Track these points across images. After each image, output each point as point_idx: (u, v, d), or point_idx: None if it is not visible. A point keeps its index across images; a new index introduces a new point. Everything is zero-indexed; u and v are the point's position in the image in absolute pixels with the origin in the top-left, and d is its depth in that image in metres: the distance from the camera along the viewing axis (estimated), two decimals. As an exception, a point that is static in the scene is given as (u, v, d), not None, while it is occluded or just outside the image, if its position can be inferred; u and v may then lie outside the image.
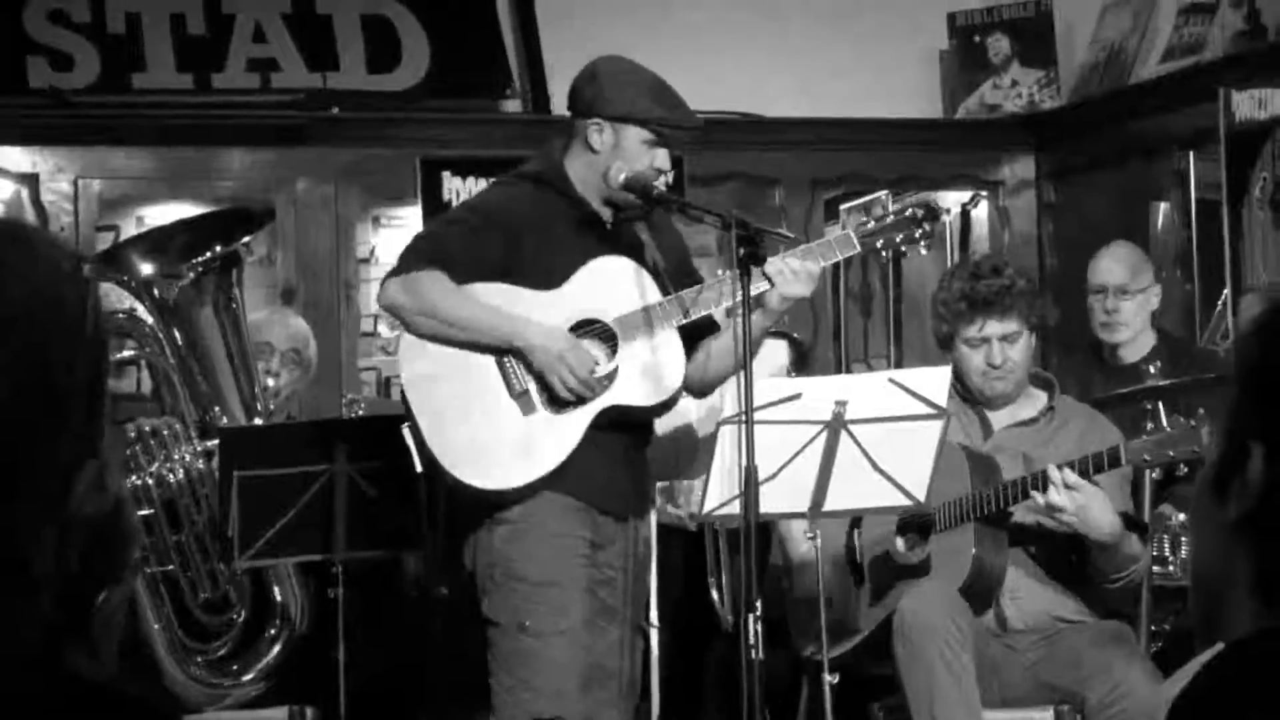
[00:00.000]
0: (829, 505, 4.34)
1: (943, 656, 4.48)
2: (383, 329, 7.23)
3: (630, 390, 4.45)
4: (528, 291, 4.46)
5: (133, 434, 5.27)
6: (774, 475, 4.26)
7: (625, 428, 4.51)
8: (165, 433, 5.28)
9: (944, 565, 4.72)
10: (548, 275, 4.46)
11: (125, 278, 5.33)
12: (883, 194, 7.26)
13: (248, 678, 5.33)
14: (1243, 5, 6.63)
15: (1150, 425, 4.75)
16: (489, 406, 4.43)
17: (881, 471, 4.30)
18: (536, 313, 4.44)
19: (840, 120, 7.38)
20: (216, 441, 5.17)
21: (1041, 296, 5.03)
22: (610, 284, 4.49)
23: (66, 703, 1.41)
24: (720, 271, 4.65)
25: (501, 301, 4.45)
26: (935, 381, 4.35)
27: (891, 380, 4.40)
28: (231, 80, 7.09)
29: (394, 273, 4.49)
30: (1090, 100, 7.29)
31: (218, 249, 5.44)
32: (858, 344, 7.44)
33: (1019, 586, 4.77)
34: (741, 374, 4.12)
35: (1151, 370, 5.28)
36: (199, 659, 5.31)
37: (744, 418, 4.09)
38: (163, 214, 6.78)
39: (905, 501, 4.33)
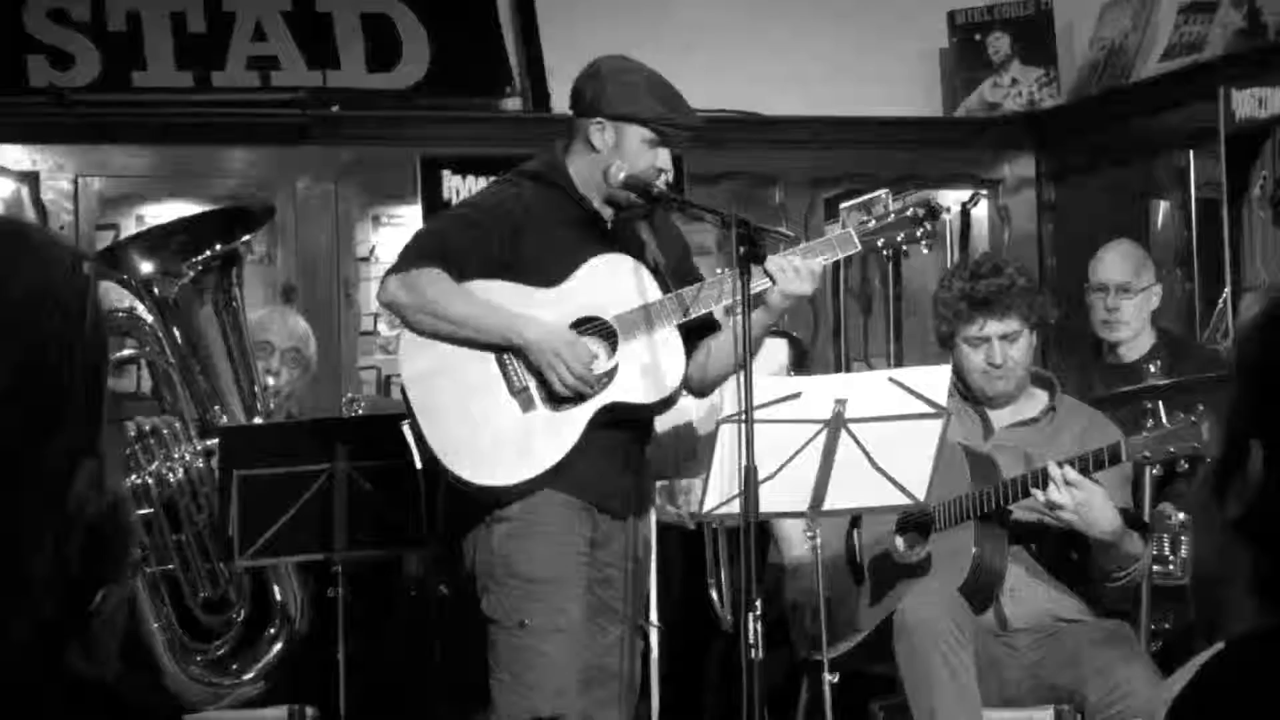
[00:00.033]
0: (829, 504, 4.34)
1: (943, 655, 4.48)
2: (382, 328, 7.23)
3: (630, 388, 4.45)
4: (528, 289, 4.46)
5: (132, 433, 5.27)
6: (774, 474, 4.26)
7: (625, 426, 4.51)
8: (165, 432, 5.28)
9: (944, 565, 4.72)
10: (548, 273, 4.47)
11: (125, 276, 5.32)
12: (883, 193, 7.24)
13: (248, 677, 5.33)
14: (1243, 4, 6.63)
15: (1150, 423, 4.75)
16: (489, 404, 4.43)
17: (881, 471, 4.30)
18: (537, 310, 4.44)
19: (840, 119, 7.38)
20: (216, 440, 5.16)
21: (1042, 295, 5.03)
22: (611, 282, 4.49)
23: (65, 702, 1.41)
24: (720, 270, 4.66)
25: (502, 299, 4.45)
26: (935, 380, 4.35)
27: (892, 379, 4.40)
28: (232, 79, 7.09)
29: (394, 270, 4.50)
30: (1090, 99, 7.29)
31: (218, 247, 5.43)
32: (858, 343, 7.44)
33: (1019, 585, 4.76)
34: (741, 373, 4.12)
35: (1152, 369, 5.28)
36: (199, 658, 5.30)
37: (744, 416, 4.09)
38: (163, 212, 6.78)
39: (905, 501, 4.33)
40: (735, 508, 4.19)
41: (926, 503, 4.39)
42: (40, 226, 3.19)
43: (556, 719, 4.36)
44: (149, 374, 5.59)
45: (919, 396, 4.30)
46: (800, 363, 5.84)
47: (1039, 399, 4.97)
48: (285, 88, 7.09)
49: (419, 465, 4.72)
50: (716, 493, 4.30)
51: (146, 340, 5.34)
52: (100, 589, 1.46)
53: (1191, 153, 6.67)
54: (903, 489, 4.29)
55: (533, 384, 4.44)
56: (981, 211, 7.51)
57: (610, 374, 4.45)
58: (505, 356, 4.45)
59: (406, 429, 4.59)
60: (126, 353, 5.41)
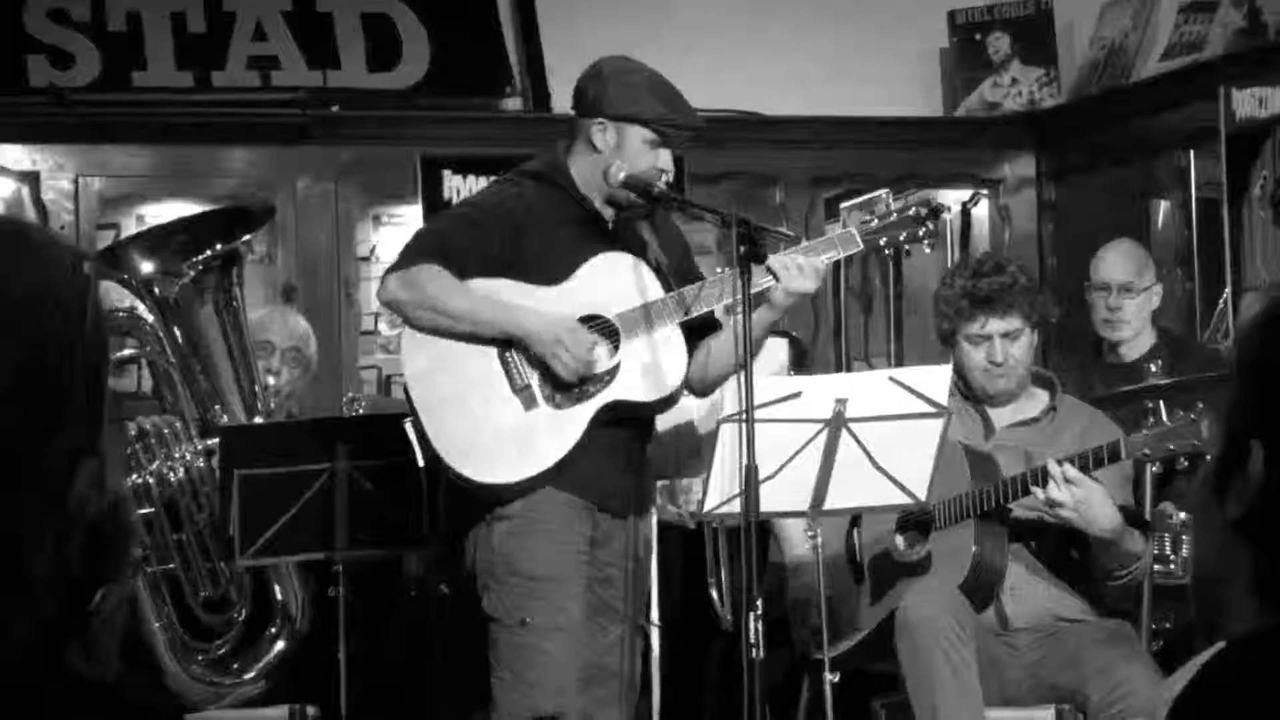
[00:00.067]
0: (829, 504, 4.34)
1: (945, 653, 4.48)
2: (383, 327, 7.23)
3: (632, 386, 4.46)
4: (530, 287, 4.47)
5: (133, 432, 5.26)
6: (774, 474, 4.26)
7: (626, 425, 4.51)
8: (166, 431, 5.28)
9: (944, 563, 4.72)
10: (548, 272, 4.47)
11: (125, 276, 5.32)
12: (883, 192, 7.22)
13: (249, 676, 5.32)
14: (1243, 3, 6.63)
15: (1151, 421, 4.75)
16: (491, 402, 4.43)
17: (882, 470, 4.30)
18: (539, 307, 4.45)
19: (840, 119, 7.38)
20: (217, 440, 5.16)
21: (1044, 294, 5.03)
22: (613, 280, 4.49)
23: (66, 702, 1.41)
24: (719, 269, 4.66)
25: (504, 296, 4.46)
26: (936, 380, 4.35)
27: (892, 379, 4.40)
28: (232, 78, 7.09)
29: (393, 268, 4.50)
30: (1090, 98, 7.28)
31: (218, 247, 5.43)
32: (858, 342, 7.44)
33: (1019, 584, 4.76)
34: (742, 372, 4.12)
35: (1152, 368, 5.28)
36: (200, 657, 5.30)
37: (744, 416, 4.09)
38: (163, 212, 6.78)
39: (906, 500, 4.33)
40: (736, 507, 4.19)
41: (927, 502, 4.39)
42: (41, 226, 3.19)
43: (557, 717, 4.37)
44: (149, 374, 5.59)
45: (920, 396, 4.30)
46: (800, 362, 5.84)
47: (1040, 398, 4.97)
48: (285, 87, 7.09)
49: (421, 463, 4.72)
50: (717, 492, 4.30)
51: (147, 340, 5.34)
52: (99, 588, 1.46)
53: (1192, 152, 6.67)
54: (903, 488, 4.29)
55: (535, 382, 4.44)
56: (982, 211, 7.51)
57: (612, 372, 4.45)
58: (507, 354, 4.45)
59: (409, 427, 4.59)
60: (127, 352, 5.41)
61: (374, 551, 5.20)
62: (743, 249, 4.18)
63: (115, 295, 5.27)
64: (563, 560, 4.41)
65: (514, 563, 4.40)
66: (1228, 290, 6.25)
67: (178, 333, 5.35)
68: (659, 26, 7.23)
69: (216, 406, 5.37)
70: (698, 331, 4.53)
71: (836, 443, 4.32)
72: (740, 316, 4.13)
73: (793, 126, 7.40)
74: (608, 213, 4.55)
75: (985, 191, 7.49)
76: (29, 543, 1.41)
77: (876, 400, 4.33)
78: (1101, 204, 7.16)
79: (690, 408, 4.95)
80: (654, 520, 4.95)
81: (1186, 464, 4.76)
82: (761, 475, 4.14)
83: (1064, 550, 4.77)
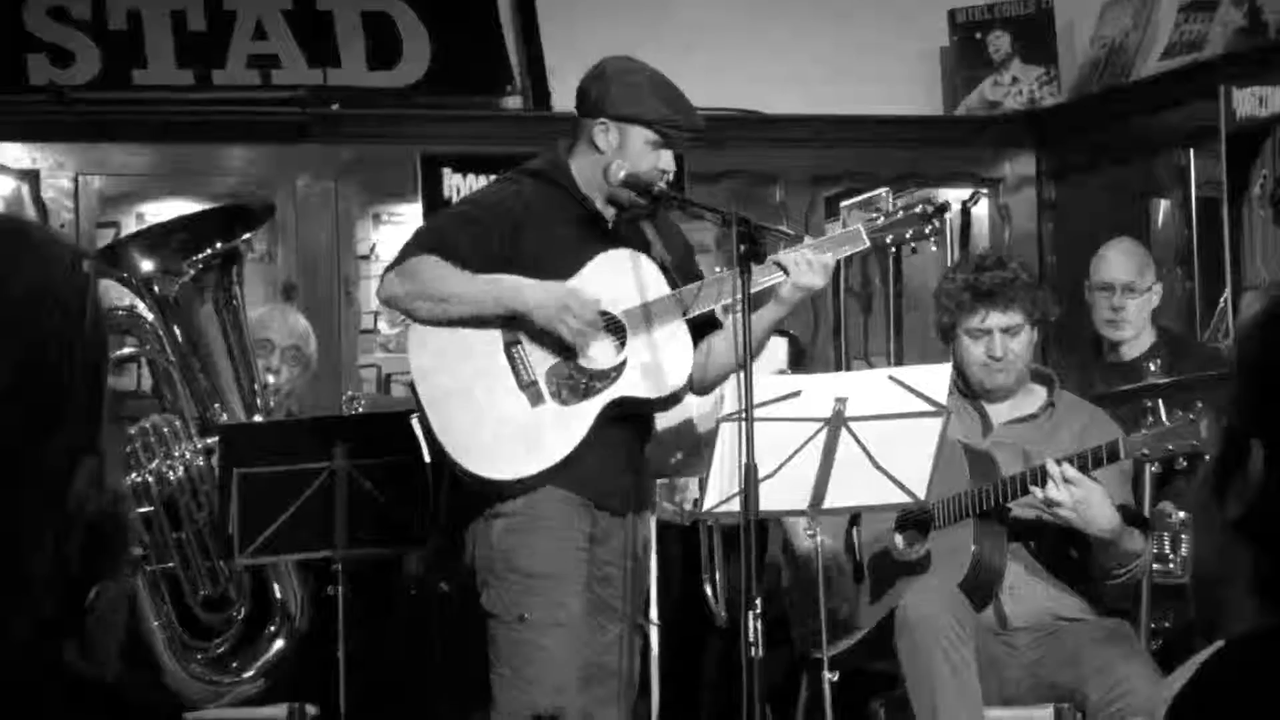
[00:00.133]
0: (829, 502, 4.34)
1: (944, 651, 4.48)
2: (383, 326, 7.23)
3: (637, 383, 4.46)
4: (535, 282, 4.46)
5: (133, 431, 5.27)
6: (774, 473, 4.26)
7: (628, 423, 4.51)
8: (165, 430, 5.28)
9: (943, 562, 4.72)
10: (548, 271, 4.46)
11: (125, 274, 5.32)
12: (883, 191, 7.24)
13: (248, 675, 5.32)
14: (1243, 2, 6.63)
15: (1150, 420, 4.75)
16: (497, 398, 4.43)
17: (881, 469, 4.30)
18: None
19: (840, 117, 7.38)
20: (217, 438, 5.16)
21: (1044, 291, 5.03)
22: (618, 278, 4.49)
23: (66, 701, 1.41)
24: (719, 269, 4.66)
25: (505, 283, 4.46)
26: (935, 379, 4.35)
27: (892, 378, 4.40)
28: (232, 77, 7.09)
29: (391, 266, 4.50)
30: (1091, 97, 7.28)
31: (218, 245, 5.43)
32: (858, 341, 7.43)
33: (1018, 583, 4.76)
34: (742, 371, 4.12)
35: (1152, 367, 5.28)
36: (199, 656, 5.30)
37: (744, 415, 4.09)
38: (163, 210, 6.78)
39: (905, 499, 4.33)
40: (735, 506, 4.19)
41: (926, 501, 4.39)
42: (40, 224, 3.19)
43: (556, 714, 4.37)
44: (149, 372, 5.59)
45: (919, 395, 4.31)
46: (798, 361, 5.84)
47: (1038, 395, 4.97)
48: (285, 86, 7.09)
49: (428, 459, 4.73)
50: (717, 491, 4.30)
51: (147, 338, 5.34)
52: (95, 585, 1.46)
53: (1192, 151, 6.67)
54: (903, 487, 4.29)
55: (541, 378, 4.44)
56: (982, 210, 7.51)
57: (619, 368, 4.46)
58: (513, 350, 4.45)
59: (415, 422, 4.59)
60: (127, 351, 5.41)
61: (373, 550, 5.20)
62: (743, 248, 4.19)
63: (115, 294, 5.27)
64: (562, 557, 4.41)
65: (513, 559, 4.40)
66: (1227, 289, 6.25)
67: (177, 331, 5.35)
68: (659, 26, 7.22)
69: (216, 405, 5.37)
70: (698, 330, 4.53)
71: (836, 441, 4.32)
72: (740, 315, 4.13)
73: (793, 125, 7.39)
74: (609, 212, 4.55)
75: (985, 190, 7.49)
76: (28, 541, 1.41)
77: (876, 399, 4.33)
78: (1101, 203, 7.15)
79: (690, 406, 4.95)
80: (653, 520, 4.95)
81: (1185, 464, 4.76)
82: (761, 474, 4.14)
83: (1063, 549, 4.77)
